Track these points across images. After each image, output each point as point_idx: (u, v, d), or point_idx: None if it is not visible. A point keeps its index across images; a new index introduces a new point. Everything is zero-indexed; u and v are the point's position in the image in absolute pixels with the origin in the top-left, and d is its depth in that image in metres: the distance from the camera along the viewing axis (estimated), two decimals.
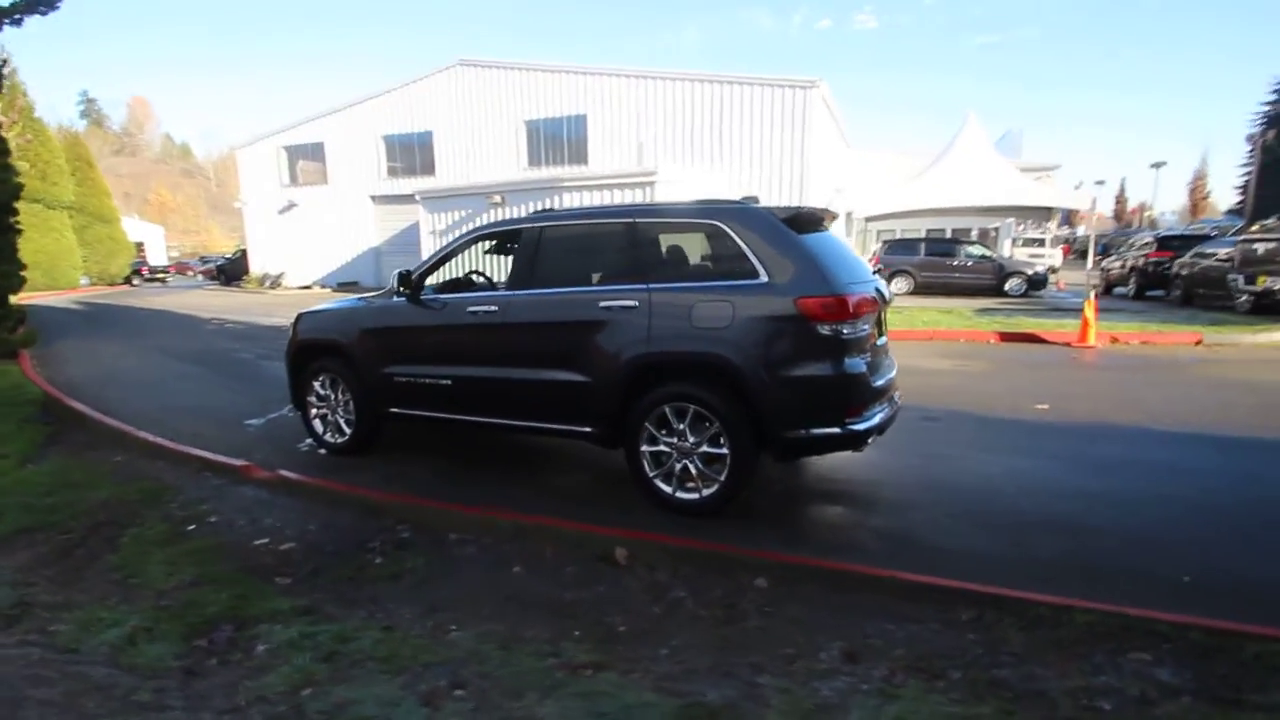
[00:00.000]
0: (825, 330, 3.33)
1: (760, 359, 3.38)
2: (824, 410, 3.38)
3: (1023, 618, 2.45)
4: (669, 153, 18.59)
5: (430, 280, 4.66)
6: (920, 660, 2.21)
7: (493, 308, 4.08)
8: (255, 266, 25.72)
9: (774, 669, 2.17)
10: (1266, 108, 50.48)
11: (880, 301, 3.73)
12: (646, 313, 3.60)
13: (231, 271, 28.15)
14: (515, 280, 4.12)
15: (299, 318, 5.08)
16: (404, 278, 4.33)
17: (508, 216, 16.91)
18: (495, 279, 5.39)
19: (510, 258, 5.36)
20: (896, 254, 18.50)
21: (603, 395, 3.74)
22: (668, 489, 3.67)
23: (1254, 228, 12.86)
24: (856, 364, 3.40)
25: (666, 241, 3.78)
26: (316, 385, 4.89)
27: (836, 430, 3.38)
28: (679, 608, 2.63)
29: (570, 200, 15.76)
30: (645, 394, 3.65)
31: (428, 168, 22.08)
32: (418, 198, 18.20)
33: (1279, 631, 2.24)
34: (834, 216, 3.92)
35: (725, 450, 3.49)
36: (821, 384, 3.36)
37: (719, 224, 3.59)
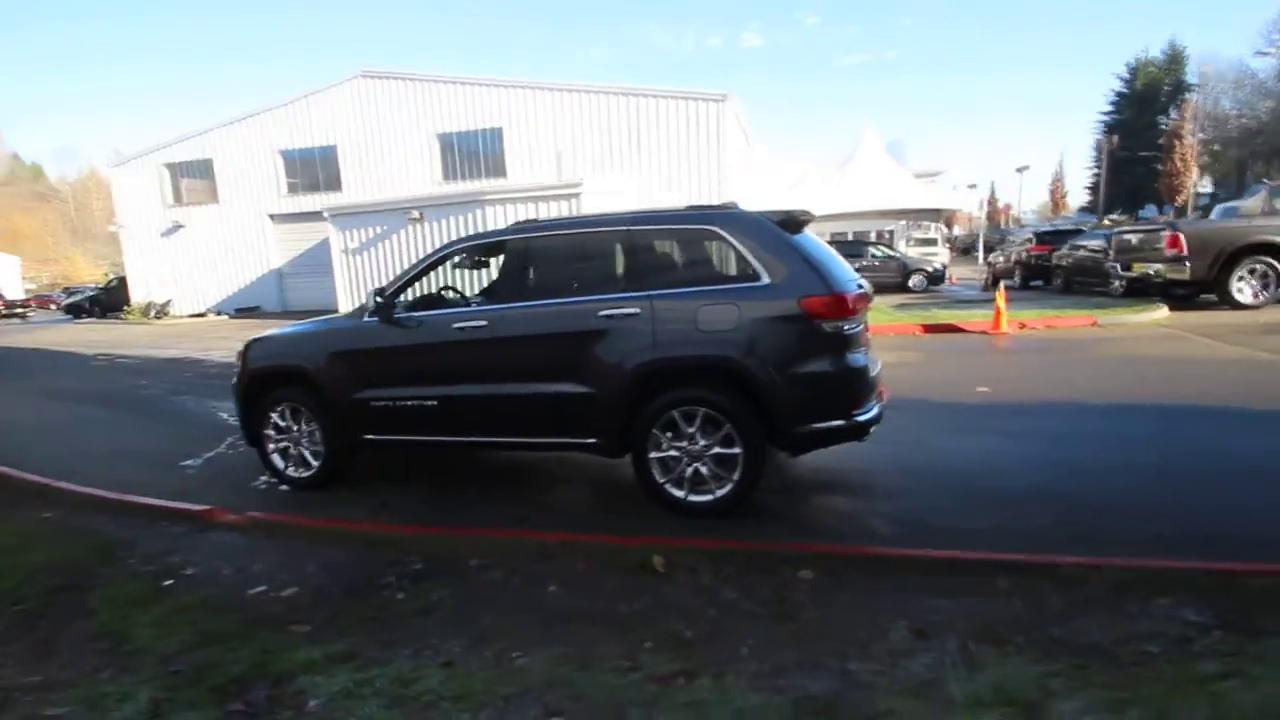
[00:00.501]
0: (829, 327, 3.45)
1: (769, 358, 3.45)
2: (832, 404, 3.50)
3: (1054, 579, 2.64)
4: (588, 164, 18.62)
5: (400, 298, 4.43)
6: (983, 629, 2.33)
7: (481, 323, 3.93)
8: (137, 295, 23.38)
9: (856, 655, 2.22)
10: (1106, 117, 57.24)
11: (869, 297, 3.92)
12: (650, 319, 3.59)
13: (108, 302, 25.48)
14: (502, 293, 3.99)
15: (249, 346, 4.68)
16: (381, 297, 4.09)
17: (426, 232, 16.53)
18: (467, 294, 5.19)
19: (487, 271, 5.26)
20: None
21: (607, 405, 3.69)
22: (679, 493, 3.67)
23: (1106, 220, 14.59)
24: (858, 358, 3.55)
25: (662, 248, 3.79)
26: (274, 417, 4.52)
27: (844, 422, 3.51)
28: (734, 608, 2.63)
29: (493, 215, 15.46)
30: (651, 401, 3.63)
31: (333, 183, 20.98)
32: (326, 215, 17.26)
33: (1272, 567, 2.54)
34: (813, 218, 4.08)
35: (738, 450, 3.53)
36: (829, 379, 3.48)
37: (716, 229, 3.65)
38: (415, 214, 16.29)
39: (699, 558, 3.02)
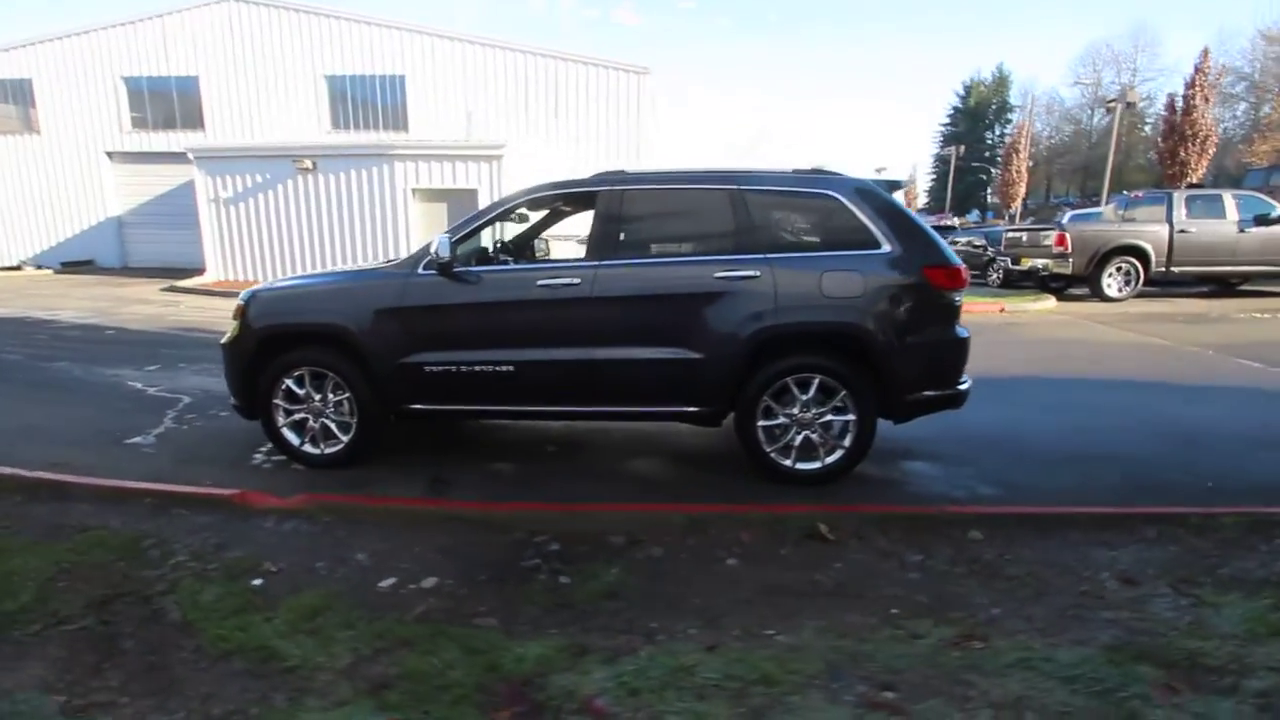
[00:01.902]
0: (946, 298, 3.54)
1: (891, 327, 3.47)
2: (943, 373, 3.61)
3: (1186, 527, 2.93)
4: (501, 126, 17.62)
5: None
6: (1169, 573, 2.53)
7: (574, 280, 3.57)
8: None
9: (1097, 605, 2.32)
10: (944, 129, 64.28)
11: None
12: (770, 283, 3.47)
13: None
14: (596, 249, 3.65)
15: (253, 300, 3.91)
16: (448, 249, 3.53)
17: (319, 185, 14.78)
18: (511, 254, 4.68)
19: (515, 225, 4.78)
20: None
21: (718, 372, 3.52)
22: (786, 461, 3.62)
23: (959, 220, 16.42)
24: (963, 329, 3.67)
25: (776, 210, 3.65)
26: (289, 384, 3.83)
27: (950, 391, 3.63)
28: (935, 571, 2.63)
29: (402, 171, 14.20)
30: (762, 367, 3.52)
31: (192, 121, 18.08)
32: (192, 157, 14.86)
33: None
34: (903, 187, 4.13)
35: (850, 417, 3.54)
36: (944, 348, 3.58)
37: (835, 194, 3.58)
38: (307, 163, 14.47)
39: (860, 523, 2.99)
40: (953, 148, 47.95)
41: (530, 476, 3.84)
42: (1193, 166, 25.09)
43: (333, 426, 3.89)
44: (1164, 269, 11.28)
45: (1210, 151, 25.67)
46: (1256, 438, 4.40)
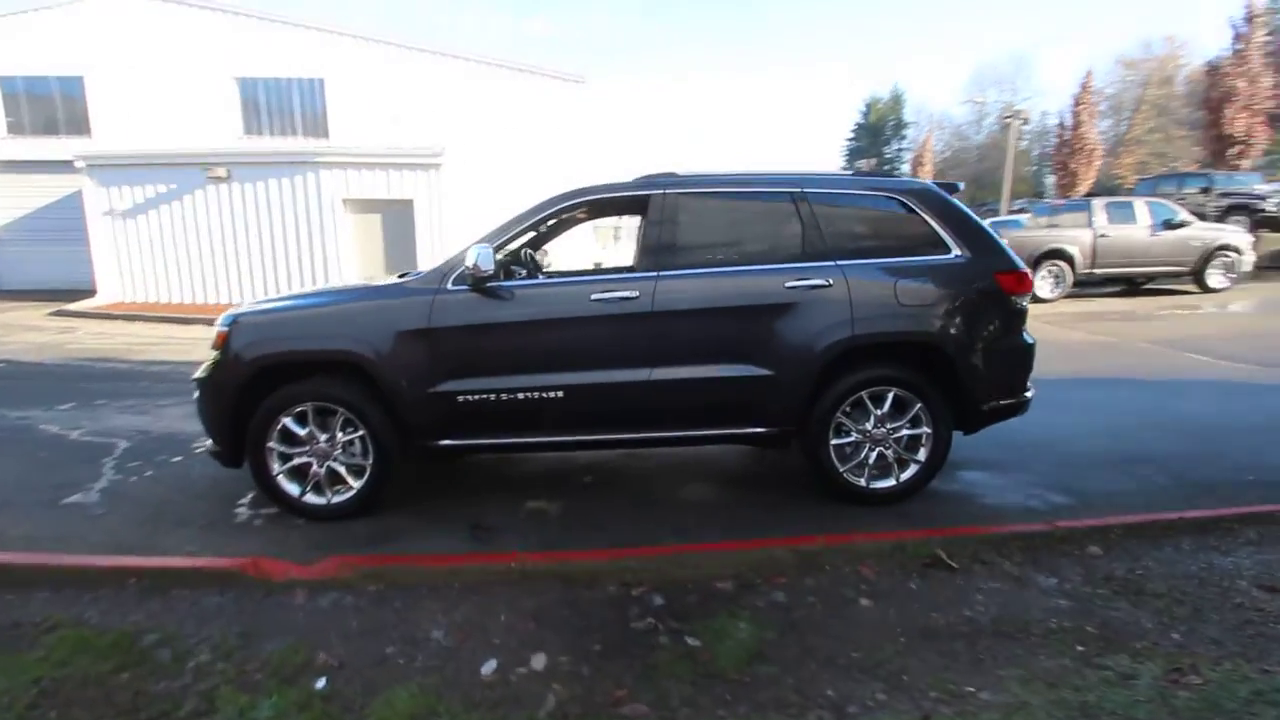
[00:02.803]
0: (1016, 304, 3.43)
1: (966, 335, 3.33)
2: (1015, 380, 3.50)
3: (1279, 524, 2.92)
4: (433, 134, 16.79)
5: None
6: None
7: (632, 294, 3.21)
8: None
9: (1263, 619, 2.20)
10: (849, 143, 67.87)
11: None
12: (844, 292, 3.24)
13: None
14: (652, 259, 3.30)
15: (236, 324, 3.29)
16: (484, 262, 3.08)
17: (234, 195, 13.46)
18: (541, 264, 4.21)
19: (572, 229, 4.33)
20: None
21: (790, 388, 3.26)
22: (859, 481, 3.39)
23: None
24: (1029, 335, 3.58)
25: (842, 215, 3.42)
26: (287, 423, 3.25)
27: (1019, 399, 3.52)
28: (1077, 596, 2.46)
29: (330, 180, 13.22)
30: (836, 382, 3.29)
31: (77, 126, 16.14)
32: (81, 165, 13.22)
33: None
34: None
35: (926, 430, 3.36)
36: (1016, 355, 3.47)
37: (903, 199, 3.41)
38: (220, 171, 13.18)
39: (975, 546, 2.79)
40: (863, 162, 50.57)
41: (579, 515, 3.42)
42: (1081, 177, 27.52)
43: (342, 471, 3.32)
44: (1088, 270, 12.09)
45: (1096, 163, 28.24)
46: (1260, 427, 4.60)
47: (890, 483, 3.40)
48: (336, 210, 13.35)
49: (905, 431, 3.37)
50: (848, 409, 3.33)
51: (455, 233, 14.00)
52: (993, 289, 3.36)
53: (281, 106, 16.72)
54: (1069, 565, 2.67)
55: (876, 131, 64.92)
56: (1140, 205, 12.55)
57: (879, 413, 3.34)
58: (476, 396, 3.22)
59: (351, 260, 13.56)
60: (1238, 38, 21.29)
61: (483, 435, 3.32)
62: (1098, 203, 12.50)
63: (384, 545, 3.07)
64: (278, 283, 13.38)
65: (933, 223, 3.38)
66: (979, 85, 55.93)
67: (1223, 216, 15.36)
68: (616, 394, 3.25)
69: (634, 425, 3.33)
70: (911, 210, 3.39)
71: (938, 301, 3.30)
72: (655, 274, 3.25)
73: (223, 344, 3.27)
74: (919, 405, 3.33)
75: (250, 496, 3.61)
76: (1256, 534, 2.86)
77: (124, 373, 7.41)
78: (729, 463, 4.14)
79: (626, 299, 3.20)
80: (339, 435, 3.29)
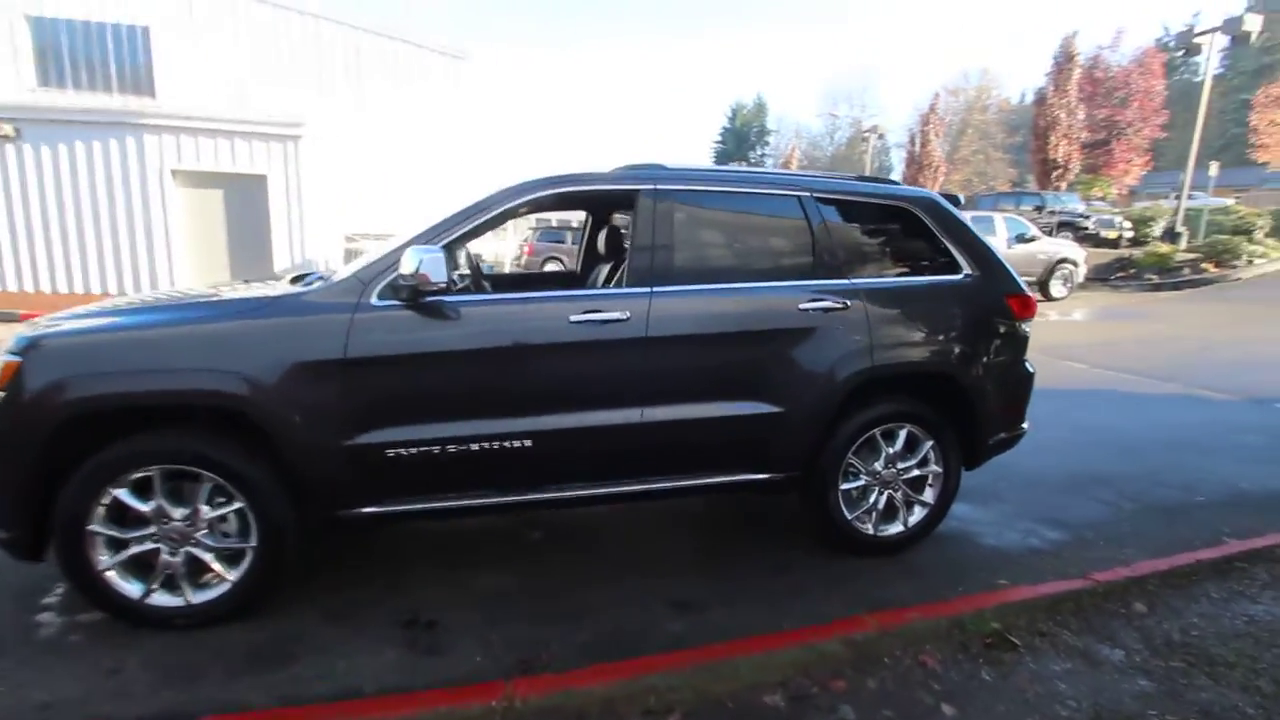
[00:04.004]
0: (1023, 329, 3.18)
1: (981, 365, 3.02)
2: (1017, 412, 3.25)
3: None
4: (285, 103, 14.68)
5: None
6: None
7: (622, 314, 2.54)
8: None
9: None
10: (716, 145, 70.46)
11: None
12: (862, 316, 2.80)
13: None
14: (641, 272, 2.64)
15: (35, 349, 2.21)
16: (444, 264, 2.28)
17: (23, 159, 10.77)
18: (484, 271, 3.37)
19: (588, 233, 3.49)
20: (549, 240, 18.92)
21: (802, 427, 2.77)
22: (866, 528, 2.99)
23: None
24: (1030, 363, 3.34)
25: (853, 225, 2.97)
26: (119, 495, 2.24)
27: (1018, 432, 3.29)
28: (1153, 673, 2.17)
29: (153, 147, 11.06)
30: (849, 419, 2.85)
31: None
32: None
33: None
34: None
35: (936, 469, 3.02)
36: (1022, 385, 3.23)
37: (910, 208, 3.02)
38: (7, 129, 10.54)
39: (1027, 614, 2.45)
40: (734, 164, 52.44)
41: (545, 591, 2.68)
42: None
43: (209, 559, 2.35)
44: None
45: (939, 179, 31.09)
46: (1167, 441, 4.82)
47: (898, 528, 3.03)
48: (165, 183, 11.15)
49: (915, 471, 3.00)
50: (859, 449, 2.90)
51: (318, 217, 12.27)
52: (1004, 313, 3.07)
53: (91, 56, 13.77)
54: (1124, 630, 2.40)
55: (742, 137, 67.65)
56: (999, 220, 13.67)
57: (890, 451, 2.94)
58: (415, 450, 2.39)
59: (183, 245, 11.40)
60: (1058, 70, 24.22)
61: (422, 499, 2.49)
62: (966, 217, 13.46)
63: (278, 669, 2.16)
64: (87, 268, 10.95)
65: (942, 238, 3.03)
66: (831, 99, 60.13)
67: (1053, 232, 17.31)
68: (600, 441, 2.57)
69: (618, 477, 2.67)
70: (920, 223, 3.02)
71: (953, 327, 2.95)
72: (649, 290, 2.60)
73: (10, 380, 2.17)
74: (930, 443, 2.97)
75: (62, 591, 2.52)
76: (1268, 574, 2.79)
77: None
78: (686, 502, 3.58)
79: (615, 321, 2.53)
80: (203, 509, 2.31)
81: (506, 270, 16.60)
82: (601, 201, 3.37)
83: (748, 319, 2.69)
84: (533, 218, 25.93)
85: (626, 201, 2.76)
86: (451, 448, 2.42)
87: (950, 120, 48.61)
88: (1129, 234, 18.68)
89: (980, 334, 3.02)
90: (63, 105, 11.67)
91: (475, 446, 2.44)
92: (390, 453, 2.38)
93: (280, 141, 11.75)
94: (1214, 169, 23.07)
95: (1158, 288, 15.17)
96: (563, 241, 18.90)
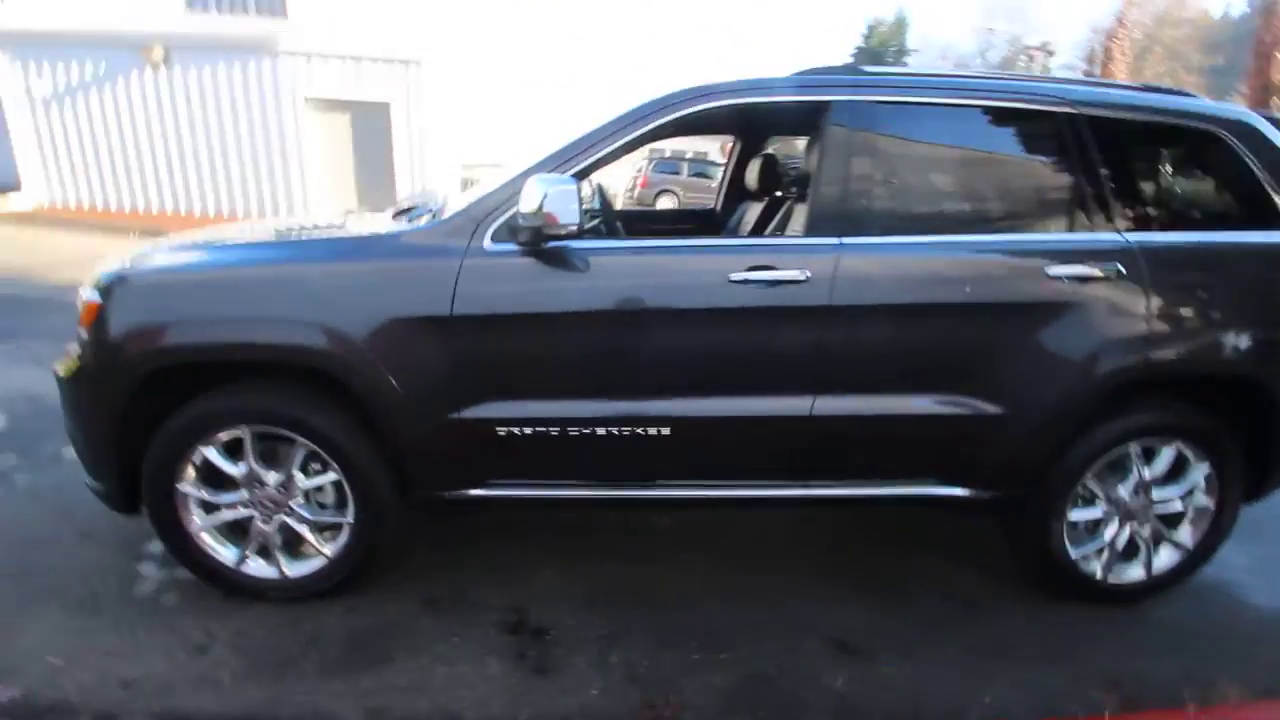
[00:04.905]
0: None
1: None
2: None
3: None
4: (411, 22, 14.47)
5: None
6: None
7: (799, 273, 1.92)
8: None
9: None
10: None
11: None
12: (1139, 289, 2.00)
13: None
14: (829, 216, 1.98)
15: (118, 288, 1.94)
16: (576, 200, 1.76)
17: (173, 83, 11.30)
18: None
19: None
20: (664, 172, 18.01)
21: (1029, 434, 2.07)
22: (1093, 570, 2.27)
23: None
24: None
25: (1132, 157, 2.14)
26: (209, 454, 1.96)
27: None
28: None
29: (290, 69, 11.20)
30: (1096, 429, 2.10)
31: None
32: None
33: None
34: None
35: (1204, 501, 2.23)
36: None
37: (1219, 133, 2.11)
38: (157, 53, 11.05)
39: None
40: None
41: (670, 599, 2.24)
42: None
43: (304, 531, 2.07)
44: None
45: None
46: None
47: (1137, 573, 2.28)
48: (299, 109, 11.38)
49: (1175, 505, 2.23)
50: (1100, 469, 2.17)
51: (439, 146, 12.19)
52: None
53: None
54: None
55: (877, 57, 61.53)
56: None
57: (1145, 475, 2.18)
58: (531, 431, 1.96)
59: (316, 171, 11.69)
60: None
61: (537, 485, 2.09)
62: None
63: (372, 669, 1.87)
64: (231, 191, 11.55)
65: (1264, 179, 2.12)
66: (988, 15, 52.82)
67: None
68: (754, 433, 2.03)
69: (771, 478, 2.13)
70: (1233, 155, 2.11)
71: (1273, 311, 2.08)
72: (836, 241, 1.95)
73: (94, 324, 1.91)
74: (1205, 468, 2.17)
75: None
76: None
77: (27, 301, 5.87)
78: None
79: (790, 283, 1.91)
80: (299, 477, 2.02)
81: (617, 207, 15.75)
82: (768, 120, 2.69)
83: (971, 287, 1.98)
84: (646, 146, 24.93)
85: (806, 120, 2.09)
86: (574, 430, 1.97)
87: (1134, 37, 41.44)
88: None
89: None
90: (204, 29, 12.07)
91: (603, 430, 1.98)
92: (502, 431, 1.96)
93: (404, 66, 11.65)
94: None
95: None
96: (678, 173, 17.98)
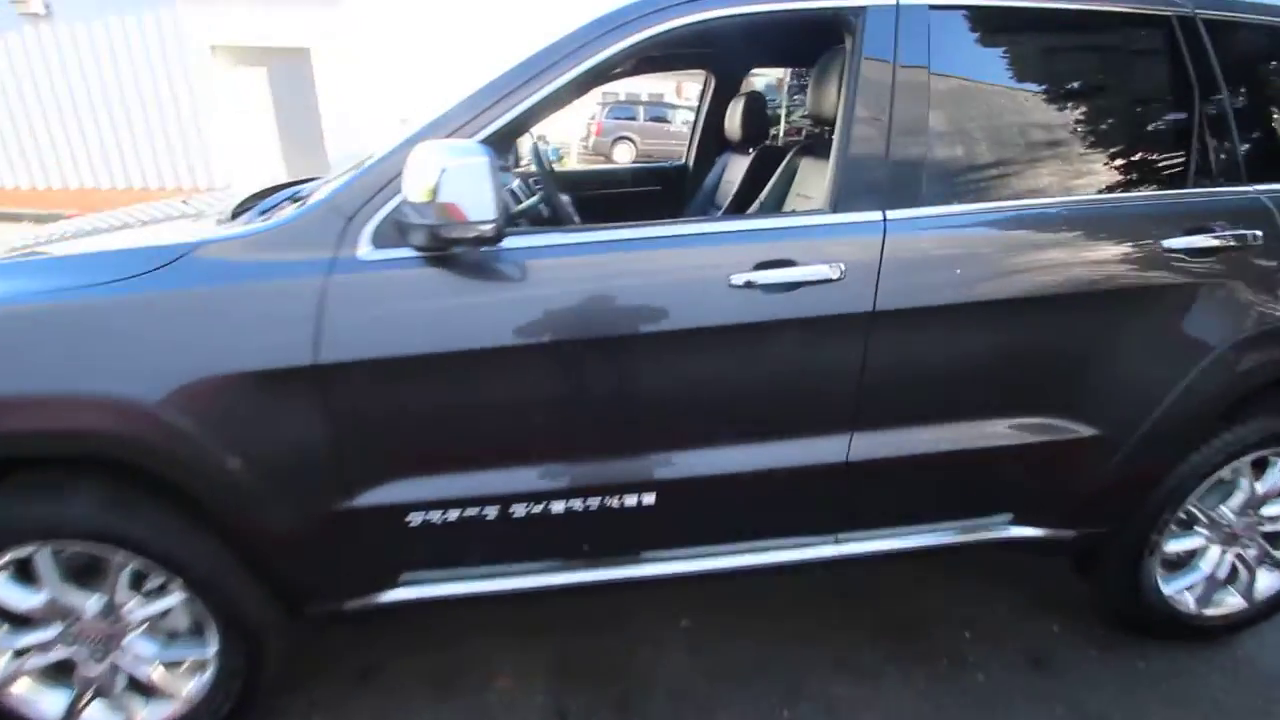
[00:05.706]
0: None
1: None
2: None
3: None
4: None
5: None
6: None
7: (831, 271, 1.32)
8: None
9: None
10: None
11: None
12: (1277, 257, 1.46)
13: None
14: (853, 181, 1.37)
15: None
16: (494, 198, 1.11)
17: (59, 43, 9.84)
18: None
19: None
20: (618, 117, 16.93)
21: (1132, 459, 1.55)
22: (1186, 605, 1.82)
23: None
24: None
25: (1268, 78, 1.56)
26: None
27: None
28: None
29: (190, 15, 9.87)
30: (1213, 440, 1.60)
31: None
32: None
33: None
34: None
35: None
36: None
37: None
38: (35, 5, 9.57)
39: None
40: None
41: (705, 671, 1.71)
42: None
43: (148, 673, 1.46)
44: None
45: None
46: None
47: (1233, 602, 1.84)
48: (205, 62, 10.08)
49: None
50: (1204, 493, 1.68)
51: (376, 98, 10.97)
52: None
53: None
54: None
55: None
56: None
57: (1257, 491, 1.70)
58: (457, 516, 1.36)
59: (231, 134, 10.46)
60: None
61: (477, 575, 1.50)
62: None
63: None
64: (134, 164, 10.31)
65: None
66: None
67: None
68: (765, 492, 1.46)
69: (789, 536, 1.58)
70: None
71: None
72: (879, 218, 1.35)
73: None
74: None
75: None
76: None
77: None
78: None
79: (817, 283, 1.32)
80: (130, 604, 1.40)
81: (573, 164, 13.15)
82: (761, 43, 2.02)
83: (1063, 273, 1.41)
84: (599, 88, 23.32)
85: (820, 39, 1.45)
86: (519, 509, 1.38)
87: None
88: None
89: None
90: None
91: (560, 506, 1.39)
92: (415, 519, 1.36)
93: (321, 4, 10.32)
94: None
95: None
96: (634, 118, 16.90)
